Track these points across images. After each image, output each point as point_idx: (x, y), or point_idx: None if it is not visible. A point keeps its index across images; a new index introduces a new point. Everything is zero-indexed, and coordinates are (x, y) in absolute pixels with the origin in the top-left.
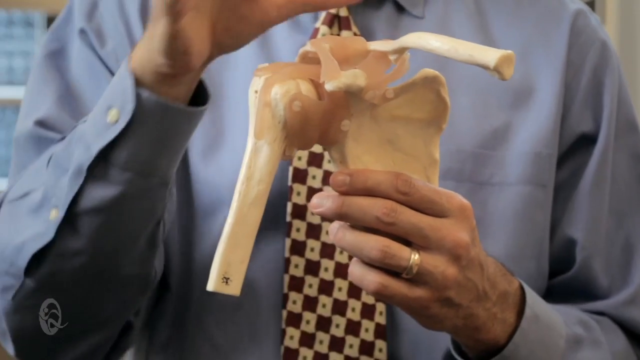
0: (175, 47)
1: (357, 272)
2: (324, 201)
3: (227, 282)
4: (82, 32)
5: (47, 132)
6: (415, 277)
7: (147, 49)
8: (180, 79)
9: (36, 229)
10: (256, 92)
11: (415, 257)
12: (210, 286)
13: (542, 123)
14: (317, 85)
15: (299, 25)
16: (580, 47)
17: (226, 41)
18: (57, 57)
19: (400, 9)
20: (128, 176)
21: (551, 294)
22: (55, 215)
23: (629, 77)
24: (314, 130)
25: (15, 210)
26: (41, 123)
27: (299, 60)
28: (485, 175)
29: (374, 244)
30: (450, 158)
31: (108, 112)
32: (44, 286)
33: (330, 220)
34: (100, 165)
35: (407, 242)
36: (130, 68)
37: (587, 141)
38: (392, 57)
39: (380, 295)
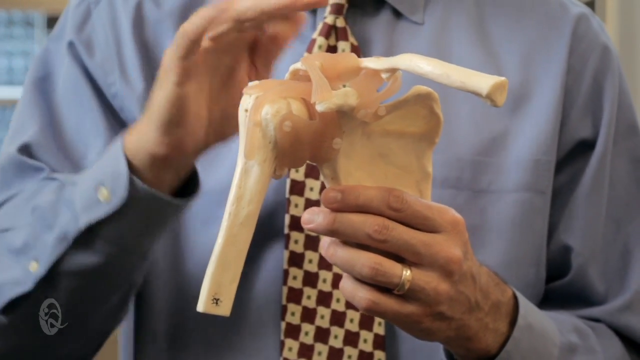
0: (170, 115)
1: (349, 288)
2: (315, 217)
3: (217, 303)
4: (71, 44)
5: (28, 160)
6: (407, 294)
7: (145, 126)
8: (172, 162)
9: (15, 274)
10: (246, 110)
11: (407, 273)
12: (200, 307)
13: (541, 129)
14: (308, 104)
15: (298, 36)
16: (581, 53)
17: (216, 133)
18: (44, 81)
19: (398, 15)
20: (111, 249)
21: (547, 300)
22: (36, 268)
23: (629, 77)
24: (305, 149)
25: None
26: (23, 149)
27: (290, 77)
28: (483, 183)
29: (365, 260)
30: (449, 166)
31: (99, 188)
32: (16, 325)
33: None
34: (85, 234)
35: (399, 258)
36: (123, 149)
37: (586, 147)
38: (384, 75)
39: (371, 311)
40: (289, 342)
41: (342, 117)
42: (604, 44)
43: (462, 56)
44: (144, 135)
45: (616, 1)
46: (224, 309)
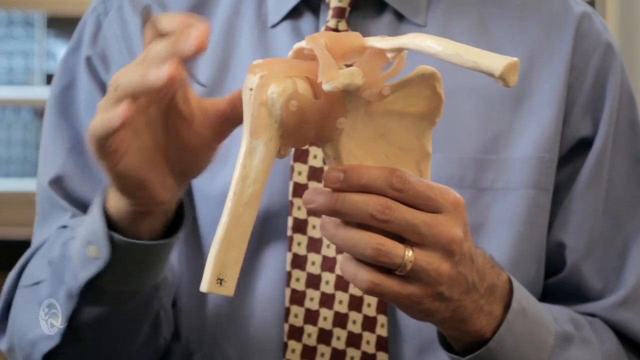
0: (127, 186)
1: (349, 269)
2: (316, 197)
3: (221, 283)
4: (88, 59)
5: (56, 197)
6: (408, 274)
7: (113, 189)
8: (151, 212)
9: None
10: (251, 89)
11: (409, 254)
12: (204, 287)
13: (544, 127)
14: (313, 83)
15: (301, 36)
16: (583, 51)
17: (186, 169)
18: (67, 98)
19: (400, 18)
20: (116, 297)
21: (543, 297)
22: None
23: (629, 76)
24: (310, 129)
25: (28, 297)
26: (55, 182)
27: (294, 56)
28: (487, 181)
29: (367, 241)
30: (452, 165)
31: (87, 247)
32: None
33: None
34: (90, 289)
35: (400, 238)
36: (101, 208)
37: (586, 145)
38: (389, 55)
39: (372, 292)
40: (292, 343)
41: (347, 96)
42: (606, 42)
43: None
44: (115, 197)
45: (616, 1)
46: (228, 289)
